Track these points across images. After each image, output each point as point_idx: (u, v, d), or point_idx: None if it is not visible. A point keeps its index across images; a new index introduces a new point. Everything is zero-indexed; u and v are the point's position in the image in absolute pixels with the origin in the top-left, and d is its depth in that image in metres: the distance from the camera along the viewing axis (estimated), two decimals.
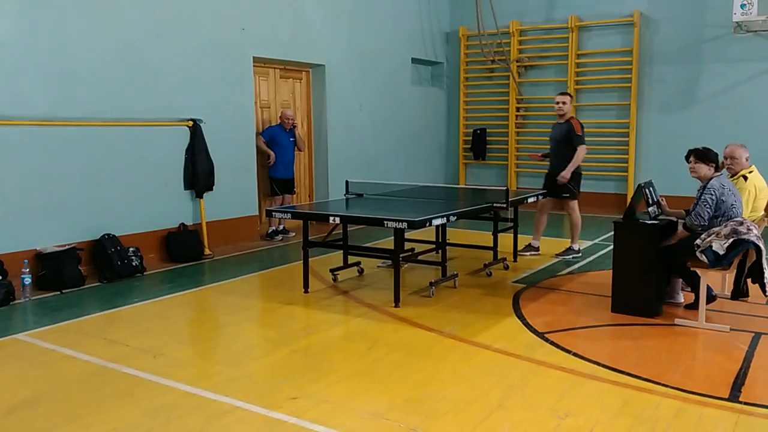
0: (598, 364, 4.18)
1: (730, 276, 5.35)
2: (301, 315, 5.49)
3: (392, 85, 11.15)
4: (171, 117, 7.55)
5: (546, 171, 7.65)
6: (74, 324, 5.18)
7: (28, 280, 5.87)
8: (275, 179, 8.80)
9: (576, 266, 7.06)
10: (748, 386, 3.84)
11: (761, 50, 9.93)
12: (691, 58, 10.48)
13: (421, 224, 5.29)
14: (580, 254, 7.40)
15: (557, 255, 7.40)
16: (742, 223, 4.80)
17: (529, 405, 3.60)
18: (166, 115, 7.49)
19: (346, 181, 7.12)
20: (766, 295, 4.89)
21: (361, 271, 6.77)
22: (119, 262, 6.62)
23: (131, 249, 6.79)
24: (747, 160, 5.55)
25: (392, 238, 5.59)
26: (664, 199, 5.55)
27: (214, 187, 7.93)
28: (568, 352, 4.41)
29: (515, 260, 7.23)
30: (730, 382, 3.89)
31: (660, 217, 5.38)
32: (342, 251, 6.55)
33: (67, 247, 6.39)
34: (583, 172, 7.49)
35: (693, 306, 5.12)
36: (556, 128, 7.47)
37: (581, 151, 7.24)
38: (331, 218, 5.71)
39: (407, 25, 11.54)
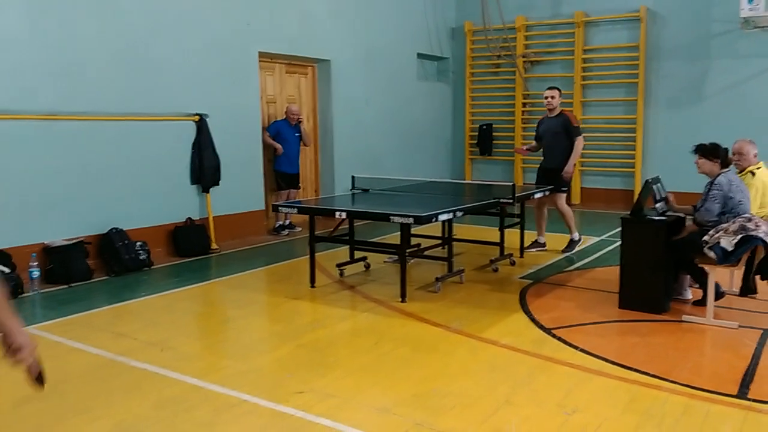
0: (606, 360, 4.17)
1: (738, 272, 5.32)
2: (307, 309, 5.49)
3: (398, 81, 11.13)
4: (177, 112, 7.56)
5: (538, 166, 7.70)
6: (82, 317, 5.20)
7: (36, 274, 5.89)
8: (280, 174, 8.81)
9: (583, 262, 7.05)
10: (756, 383, 3.82)
11: None
12: (698, 53, 10.42)
13: (428, 220, 5.28)
14: (580, 240, 7.52)
15: (562, 251, 7.40)
16: (750, 220, 4.78)
17: (537, 401, 3.60)
18: (172, 109, 7.50)
19: (352, 177, 7.12)
20: None
21: (367, 266, 6.77)
22: (127, 256, 6.64)
23: (139, 243, 6.81)
24: (755, 156, 5.52)
25: (398, 233, 5.59)
26: (671, 195, 5.53)
27: (220, 182, 7.94)
28: (576, 348, 4.40)
29: (522, 256, 7.22)
30: (738, 379, 3.88)
31: (668, 213, 5.36)
32: (348, 246, 6.55)
33: (75, 240, 6.41)
34: (582, 167, 7.52)
35: (701, 303, 5.11)
36: (546, 122, 7.52)
37: (580, 143, 7.32)
38: (338, 213, 5.71)
39: (413, 20, 11.51)
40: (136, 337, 4.67)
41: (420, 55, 11.82)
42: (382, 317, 5.15)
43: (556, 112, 7.39)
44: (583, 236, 7.57)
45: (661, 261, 5.09)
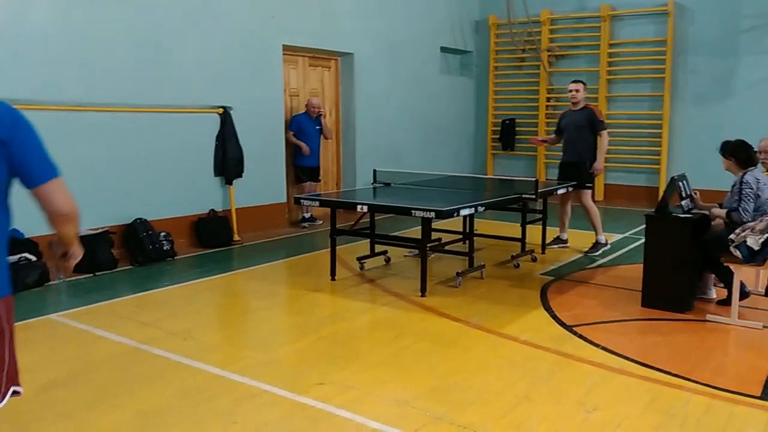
0: (627, 358, 4.14)
1: (764, 272, 5.25)
2: (327, 302, 5.52)
3: (421, 75, 11.09)
4: (202, 104, 7.62)
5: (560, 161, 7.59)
6: (107, 306, 5.28)
7: None
8: (300, 167, 8.85)
9: (605, 260, 6.98)
10: None
11: None
12: (726, 48, 10.25)
13: (449, 214, 5.28)
14: (608, 245, 7.28)
15: (586, 253, 7.17)
16: None
17: (556, 398, 3.58)
18: (197, 102, 7.56)
19: (374, 170, 7.12)
20: None
21: (387, 260, 6.78)
22: (151, 246, 6.72)
23: (162, 233, 6.89)
24: None
25: (419, 227, 5.58)
26: (697, 192, 5.45)
27: (243, 174, 8.00)
28: (597, 345, 4.37)
29: (543, 252, 7.17)
30: (762, 380, 3.83)
31: (693, 210, 5.29)
32: (369, 240, 6.56)
33: (100, 230, 6.50)
34: (604, 164, 7.40)
35: (725, 302, 5.04)
36: (569, 116, 7.39)
37: (606, 137, 7.24)
38: (359, 207, 5.72)
39: (436, 13, 11.46)
40: (159, 326, 4.73)
41: (443, 49, 11.77)
42: (402, 311, 5.16)
43: (580, 106, 7.29)
44: (606, 233, 7.43)
45: (686, 259, 5.02)
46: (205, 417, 3.35)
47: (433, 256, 6.81)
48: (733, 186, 5.03)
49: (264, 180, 8.41)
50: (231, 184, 7.92)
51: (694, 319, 4.94)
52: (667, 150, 10.82)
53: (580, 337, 4.55)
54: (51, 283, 5.91)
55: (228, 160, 7.80)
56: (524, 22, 11.58)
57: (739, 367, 4.16)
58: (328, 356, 4.23)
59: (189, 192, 7.53)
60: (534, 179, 6.52)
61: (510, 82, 12.48)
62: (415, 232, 6.35)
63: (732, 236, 4.76)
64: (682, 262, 5.03)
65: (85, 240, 6.32)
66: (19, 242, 5.80)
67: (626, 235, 8.26)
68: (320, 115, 8.90)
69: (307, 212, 8.92)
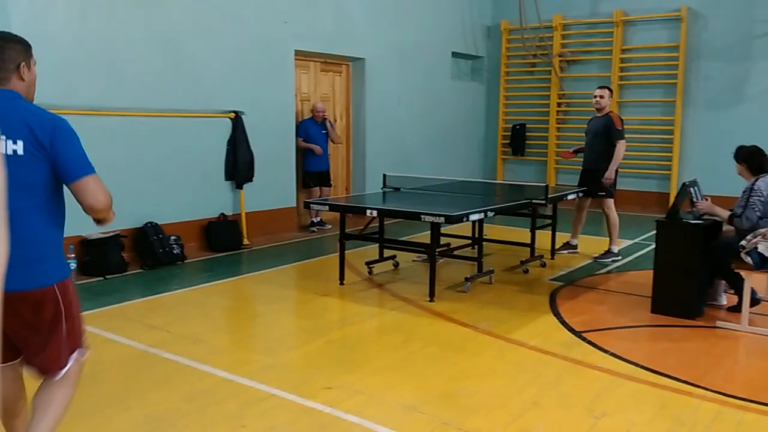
0: (636, 365, 4.12)
1: None
2: (336, 306, 5.53)
3: (432, 79, 11.11)
4: (214, 108, 7.67)
5: (581, 167, 7.50)
6: (117, 309, 5.32)
7: (73, 265, 6.04)
8: (308, 172, 8.87)
9: (615, 266, 6.95)
10: None
11: None
12: (740, 54, 10.19)
13: (458, 219, 5.27)
14: (619, 257, 7.17)
15: (596, 259, 7.14)
16: None
17: (565, 404, 3.57)
18: (209, 106, 7.61)
19: (384, 175, 7.14)
20: None
21: (396, 265, 6.78)
22: (161, 250, 6.76)
23: (172, 237, 6.94)
24: None
25: (428, 232, 5.59)
26: (709, 198, 5.42)
27: (253, 179, 8.04)
28: (606, 351, 4.35)
29: (553, 258, 7.15)
30: None
31: (704, 216, 5.26)
32: (378, 244, 6.57)
33: (111, 234, 6.55)
34: (619, 169, 7.28)
35: (736, 309, 5.00)
36: (593, 122, 7.29)
37: (621, 147, 7.00)
38: (368, 211, 5.73)
39: (448, 18, 11.48)
40: (168, 330, 4.76)
41: (455, 54, 11.78)
42: (411, 316, 5.16)
43: (604, 113, 7.14)
44: (617, 239, 7.39)
45: (696, 265, 4.99)
46: (213, 421, 3.36)
47: (441, 261, 6.80)
48: (743, 191, 5.00)
49: (274, 184, 8.44)
50: (241, 188, 7.96)
51: (704, 326, 4.91)
52: (679, 155, 10.77)
53: (589, 343, 4.53)
54: None
55: (239, 165, 7.84)
56: (536, 27, 11.56)
57: (749, 374, 4.13)
58: (337, 360, 4.23)
59: (199, 196, 7.58)
60: (544, 184, 6.51)
61: (521, 87, 12.47)
62: (424, 236, 6.35)
63: (743, 242, 4.73)
64: (692, 269, 5.00)
65: (96, 243, 6.40)
66: None
67: (636, 240, 8.21)
68: (326, 119, 8.90)
69: (317, 216, 8.94)
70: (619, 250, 7.24)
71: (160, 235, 6.87)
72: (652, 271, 5.25)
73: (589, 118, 7.52)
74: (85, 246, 6.40)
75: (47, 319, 2.46)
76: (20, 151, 2.37)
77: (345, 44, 9.40)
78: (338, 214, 6.27)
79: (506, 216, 6.94)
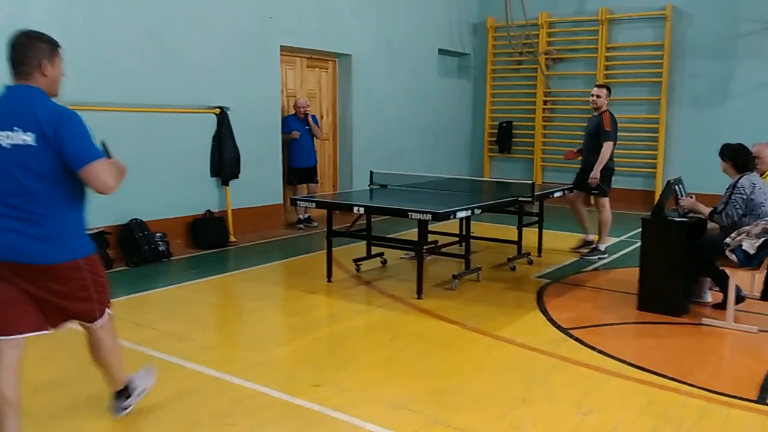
0: (623, 361, 4.14)
1: (759, 276, 5.26)
2: (323, 304, 5.51)
3: (418, 76, 11.10)
4: (199, 104, 7.61)
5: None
6: None
7: None
8: (292, 169, 8.81)
9: (602, 263, 6.99)
10: None
11: None
12: (724, 52, 10.27)
13: (446, 216, 5.27)
14: (606, 255, 7.20)
15: (583, 256, 7.17)
16: None
17: (552, 400, 3.58)
18: (193, 102, 7.55)
19: (371, 172, 7.12)
20: None
21: (384, 262, 6.77)
22: (146, 247, 6.71)
23: (158, 234, 6.88)
24: None
25: (416, 229, 5.58)
26: (693, 196, 5.46)
27: (240, 175, 7.98)
28: (593, 348, 4.37)
29: (539, 255, 7.17)
30: (758, 383, 3.83)
31: (689, 214, 5.30)
32: (365, 242, 6.56)
33: (95, 231, 6.47)
34: (615, 168, 7.27)
35: (721, 306, 5.05)
36: (589, 121, 7.27)
37: (607, 148, 6.93)
38: (356, 208, 5.72)
39: (435, 15, 11.47)
40: (154, 327, 4.72)
41: (441, 51, 11.78)
42: (398, 313, 5.15)
43: (600, 111, 7.05)
44: (606, 237, 7.39)
45: (682, 263, 5.03)
46: (200, 418, 3.34)
47: (429, 258, 6.81)
48: (727, 188, 5.04)
49: (260, 181, 8.39)
50: (227, 184, 7.91)
51: (689, 323, 4.95)
52: (664, 153, 10.84)
53: (576, 340, 4.55)
54: None
55: (224, 161, 7.78)
56: (522, 25, 11.60)
57: (734, 371, 4.17)
58: (324, 357, 4.22)
59: (185, 193, 7.52)
60: (531, 182, 6.52)
61: (507, 85, 12.49)
62: (412, 234, 6.34)
63: (728, 240, 4.77)
64: (677, 266, 5.04)
65: None
66: None
67: (622, 238, 8.27)
68: (307, 114, 8.79)
69: (304, 214, 8.89)
70: (606, 248, 7.27)
71: (146, 232, 6.81)
72: (638, 269, 5.29)
73: (582, 116, 7.50)
74: None
75: (75, 289, 2.85)
76: (32, 142, 2.65)
77: (331, 40, 9.36)
78: (325, 211, 6.24)
79: (493, 213, 6.95)
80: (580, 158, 7.48)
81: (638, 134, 11.03)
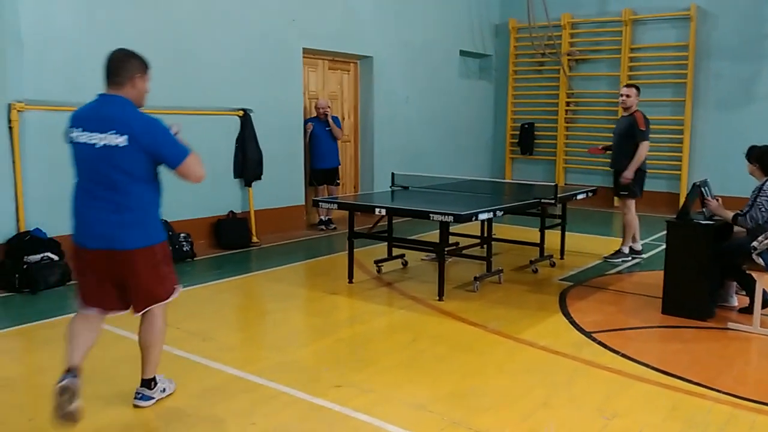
0: (647, 366, 4.10)
1: None
2: (345, 305, 5.53)
3: (440, 78, 11.09)
4: (222, 107, 7.68)
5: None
6: None
7: None
8: (313, 170, 8.84)
9: (625, 266, 6.91)
10: None
11: None
12: (750, 53, 10.11)
13: (467, 218, 5.26)
14: (629, 258, 7.10)
15: (605, 258, 7.10)
16: None
17: (575, 404, 3.56)
18: (217, 104, 7.62)
19: (392, 173, 7.13)
20: None
21: (405, 264, 6.78)
22: (170, 247, 6.75)
23: (182, 235, 6.95)
24: None
25: (437, 231, 5.58)
26: (719, 199, 5.38)
27: (262, 177, 8.04)
28: (616, 352, 4.33)
29: (562, 258, 7.12)
30: None
31: (715, 217, 5.22)
32: (386, 243, 6.56)
33: None
34: (647, 170, 7.16)
35: (747, 310, 4.97)
36: (620, 121, 7.15)
37: (643, 148, 6.81)
38: (377, 210, 5.73)
39: (456, 16, 11.45)
40: (178, 327, 4.76)
41: (462, 53, 11.76)
42: (420, 315, 5.15)
43: (631, 112, 6.94)
44: (630, 241, 7.31)
45: (707, 266, 4.96)
46: (223, 418, 3.37)
47: (450, 260, 6.79)
48: (753, 191, 4.96)
49: (283, 182, 8.45)
50: (250, 186, 7.97)
51: (715, 327, 4.88)
52: (689, 155, 10.71)
53: (599, 343, 4.51)
54: (72, 282, 5.98)
55: (247, 163, 7.84)
56: (545, 25, 11.53)
57: (761, 376, 4.11)
58: (346, 358, 4.24)
59: (208, 194, 7.58)
60: (553, 184, 6.48)
61: (529, 86, 12.42)
62: (433, 235, 6.34)
63: (755, 243, 4.70)
64: (703, 269, 4.97)
65: None
66: (42, 242, 5.88)
67: (647, 241, 8.17)
68: (326, 114, 8.76)
69: (326, 215, 8.92)
70: (629, 252, 7.18)
71: (170, 233, 6.87)
72: (662, 272, 5.23)
73: (606, 117, 7.42)
74: None
75: (144, 272, 3.20)
76: (123, 143, 3.06)
77: (353, 42, 9.39)
78: (347, 212, 6.26)
79: (515, 215, 6.92)
80: (605, 153, 7.39)
81: (663, 136, 10.89)
